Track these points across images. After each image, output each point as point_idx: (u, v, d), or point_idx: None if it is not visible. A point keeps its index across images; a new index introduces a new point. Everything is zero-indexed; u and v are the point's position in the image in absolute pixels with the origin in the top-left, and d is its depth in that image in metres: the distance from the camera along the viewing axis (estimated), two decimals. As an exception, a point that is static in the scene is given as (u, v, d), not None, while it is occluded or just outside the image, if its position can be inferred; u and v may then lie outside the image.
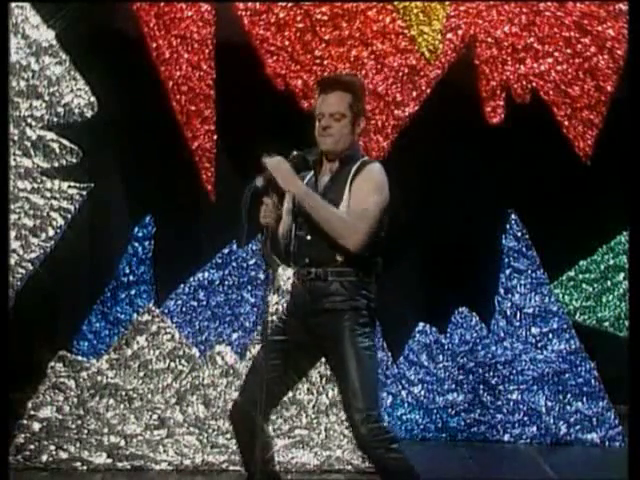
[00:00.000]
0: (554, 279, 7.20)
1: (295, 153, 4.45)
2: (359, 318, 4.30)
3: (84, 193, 6.38)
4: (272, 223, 4.36)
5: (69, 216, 6.35)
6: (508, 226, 7.03)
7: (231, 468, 6.13)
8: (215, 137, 6.70)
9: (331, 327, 4.30)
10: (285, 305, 4.52)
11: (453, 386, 7.02)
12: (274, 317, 4.59)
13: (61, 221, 6.33)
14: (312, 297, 4.33)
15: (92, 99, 6.37)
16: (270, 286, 4.71)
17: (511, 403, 7.01)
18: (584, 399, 6.99)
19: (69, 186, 6.35)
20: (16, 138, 6.30)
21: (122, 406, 6.24)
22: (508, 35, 6.91)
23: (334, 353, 4.32)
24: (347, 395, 4.29)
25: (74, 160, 6.36)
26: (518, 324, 7.05)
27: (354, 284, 4.32)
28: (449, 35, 6.86)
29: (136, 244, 6.88)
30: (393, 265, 7.41)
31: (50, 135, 6.35)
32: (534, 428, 7.00)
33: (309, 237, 4.36)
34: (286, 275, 6.06)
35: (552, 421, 6.99)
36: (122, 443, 6.18)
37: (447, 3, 6.85)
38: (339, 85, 4.42)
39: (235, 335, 6.61)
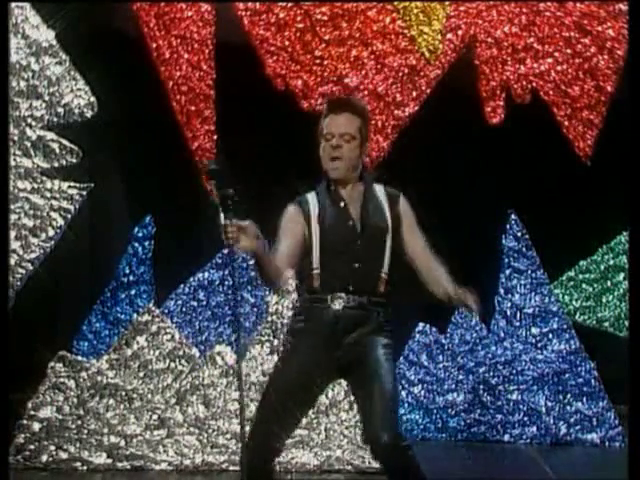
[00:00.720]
0: (554, 279, 7.20)
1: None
2: (388, 342, 4.37)
3: (84, 193, 6.38)
4: (249, 247, 4.23)
5: (69, 216, 6.35)
6: (508, 226, 7.03)
7: (231, 468, 6.13)
8: (215, 137, 6.70)
9: (367, 353, 4.29)
10: (300, 335, 4.34)
11: (453, 386, 7.02)
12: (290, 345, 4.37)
13: (61, 221, 6.34)
14: (348, 324, 4.29)
15: (92, 99, 6.38)
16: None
17: (511, 403, 7.01)
18: (584, 399, 6.99)
19: (69, 186, 6.36)
20: (16, 138, 6.30)
21: (122, 406, 6.24)
22: (508, 35, 6.91)
23: (365, 376, 4.28)
24: (374, 416, 4.23)
25: (74, 160, 6.36)
26: (518, 324, 7.05)
27: (385, 314, 4.41)
28: (449, 35, 6.86)
29: (136, 244, 6.88)
30: (393, 265, 7.42)
31: (50, 135, 6.36)
32: (534, 428, 7.00)
33: (357, 265, 4.32)
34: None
35: (552, 421, 6.99)
36: (122, 443, 6.18)
37: (447, 3, 6.86)
38: (350, 107, 4.39)
39: (235, 335, 6.61)
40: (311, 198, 4.40)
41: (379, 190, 4.45)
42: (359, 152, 4.38)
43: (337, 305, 4.30)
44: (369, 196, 4.41)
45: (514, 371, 7.01)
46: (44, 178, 6.33)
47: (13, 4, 6.30)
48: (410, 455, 4.26)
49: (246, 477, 4.25)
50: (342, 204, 4.38)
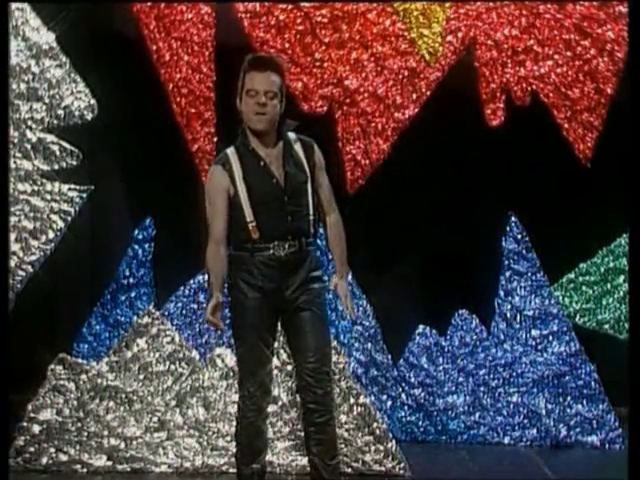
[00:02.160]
0: (554, 281, 7.19)
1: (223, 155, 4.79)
2: (324, 283, 4.83)
3: (84, 195, 6.38)
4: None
5: (69, 218, 6.35)
6: (508, 228, 7.02)
7: (231, 471, 6.13)
8: (215, 139, 6.70)
9: (310, 292, 4.74)
10: (244, 283, 4.75)
11: (453, 388, 7.02)
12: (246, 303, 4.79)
13: (61, 223, 6.34)
14: (288, 268, 4.70)
15: (92, 101, 6.38)
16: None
17: (511, 405, 7.00)
18: (584, 401, 6.98)
19: (69, 188, 6.36)
20: (16, 140, 6.31)
21: (122, 408, 6.24)
22: (508, 37, 6.91)
23: (304, 316, 4.74)
24: (306, 351, 4.74)
25: (74, 162, 6.37)
26: (518, 326, 7.04)
27: (315, 252, 4.84)
28: (449, 37, 6.87)
29: (136, 246, 6.88)
30: (393, 267, 7.43)
31: (50, 137, 6.36)
32: (534, 430, 7.00)
33: (289, 218, 4.72)
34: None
35: (552, 423, 6.99)
36: (122, 445, 6.18)
37: (447, 5, 6.86)
38: (273, 66, 4.75)
39: (235, 337, 6.60)
40: (232, 157, 4.75)
41: (294, 141, 4.81)
42: (280, 107, 4.75)
43: (280, 252, 4.71)
44: (287, 152, 4.77)
45: (514, 373, 7.01)
46: (44, 180, 6.34)
47: (13, 6, 6.30)
48: (328, 393, 4.81)
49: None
50: (262, 163, 4.74)
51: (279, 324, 4.86)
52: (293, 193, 4.74)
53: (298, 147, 4.80)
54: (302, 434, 6.15)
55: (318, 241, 4.96)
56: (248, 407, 4.81)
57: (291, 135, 4.84)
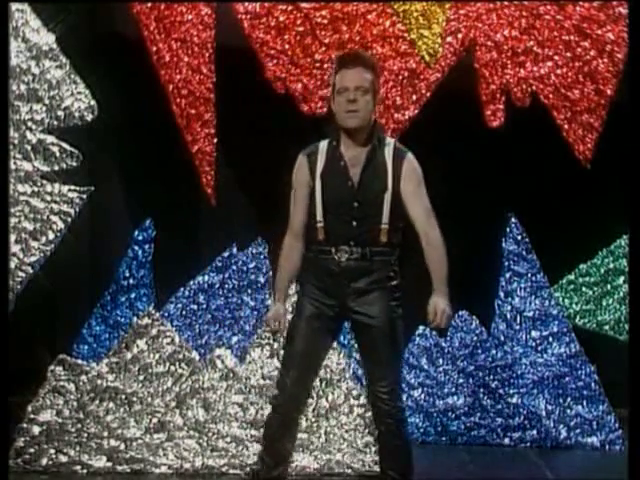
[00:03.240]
0: (554, 282, 7.19)
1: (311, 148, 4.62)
2: (396, 295, 4.68)
3: (84, 196, 6.38)
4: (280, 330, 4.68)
5: (69, 219, 6.35)
6: (508, 229, 7.03)
7: (231, 472, 6.13)
8: (215, 140, 6.70)
9: (373, 303, 4.57)
10: (310, 287, 4.63)
11: (453, 390, 7.02)
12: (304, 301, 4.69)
13: (61, 224, 6.34)
14: (352, 276, 4.55)
15: (92, 102, 6.38)
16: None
17: (511, 407, 7.01)
18: (584, 402, 6.98)
19: (69, 189, 6.36)
20: (16, 142, 6.31)
21: (122, 409, 6.24)
22: (508, 39, 6.91)
23: (371, 328, 4.57)
24: (378, 366, 4.58)
25: (74, 163, 6.37)
26: (518, 327, 7.05)
27: (391, 264, 4.66)
28: (449, 38, 6.87)
29: (136, 247, 6.88)
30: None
31: (50, 139, 6.36)
32: (534, 432, 7.00)
33: (354, 224, 4.55)
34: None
35: (552, 425, 6.99)
36: (122, 447, 6.18)
37: (447, 6, 6.86)
38: (361, 61, 4.57)
39: (235, 338, 6.61)
40: (321, 150, 4.60)
41: (388, 145, 4.59)
42: (373, 104, 4.55)
43: (341, 257, 4.55)
44: (373, 155, 4.56)
45: (514, 374, 7.01)
46: (44, 181, 6.34)
47: (13, 7, 6.30)
48: (400, 408, 4.67)
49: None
50: (342, 163, 4.56)
51: (343, 328, 4.75)
52: (365, 200, 4.53)
53: (388, 153, 4.59)
54: (301, 435, 6.18)
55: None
56: (277, 409, 4.68)
57: (388, 139, 4.65)
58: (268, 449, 4.73)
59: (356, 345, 4.79)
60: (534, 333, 7.03)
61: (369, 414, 6.16)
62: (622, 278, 7.21)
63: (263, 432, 4.80)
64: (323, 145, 4.64)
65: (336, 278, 4.57)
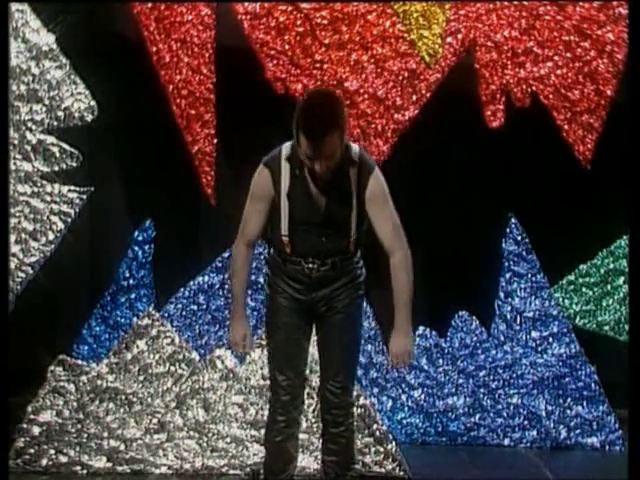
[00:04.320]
0: (554, 283, 7.19)
1: None
2: (362, 292, 4.67)
3: (84, 197, 6.38)
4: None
5: (69, 220, 6.35)
6: (508, 230, 7.02)
7: (231, 472, 6.13)
8: (215, 141, 6.70)
9: (342, 301, 4.60)
10: (281, 284, 4.65)
11: (453, 390, 7.02)
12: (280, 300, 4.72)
13: (61, 225, 6.34)
14: (321, 282, 4.58)
15: (92, 103, 6.38)
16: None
17: (511, 407, 7.00)
18: (584, 403, 6.98)
19: (69, 190, 6.36)
20: (16, 142, 6.31)
21: (122, 410, 6.24)
22: (508, 39, 6.91)
23: (334, 321, 4.61)
24: (333, 365, 4.61)
25: (74, 164, 6.37)
26: (518, 328, 7.04)
27: (355, 264, 4.65)
28: (449, 39, 6.87)
29: (136, 248, 6.87)
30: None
31: (50, 139, 6.36)
32: (534, 432, 6.99)
33: (323, 239, 4.55)
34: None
35: (552, 425, 6.98)
36: (122, 447, 6.18)
37: (447, 7, 6.86)
38: (328, 128, 4.35)
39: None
40: (284, 164, 4.52)
41: (354, 164, 4.50)
42: (340, 148, 4.43)
43: (310, 268, 4.56)
44: (339, 175, 4.49)
45: (514, 375, 7.01)
46: (44, 182, 6.34)
47: (13, 8, 6.30)
48: (348, 410, 4.67)
49: None
50: (310, 186, 4.53)
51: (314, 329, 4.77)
52: (332, 221, 4.52)
53: (353, 172, 4.50)
54: (301, 435, 6.17)
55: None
56: (277, 411, 4.70)
57: (355, 152, 4.54)
58: (273, 454, 4.73)
59: (316, 335, 4.77)
60: (534, 333, 7.03)
61: (369, 414, 6.17)
62: (622, 279, 7.20)
63: (265, 437, 4.81)
64: (285, 155, 4.54)
65: (305, 285, 4.59)
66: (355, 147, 4.60)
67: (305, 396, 4.82)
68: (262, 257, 6.63)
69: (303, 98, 4.67)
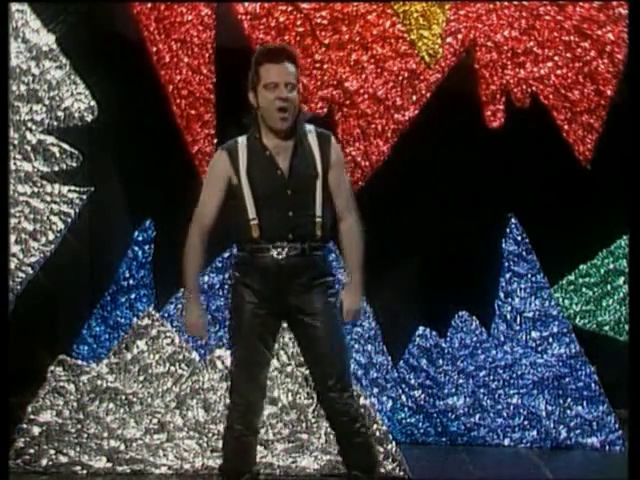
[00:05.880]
0: (554, 283, 7.19)
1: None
2: (331, 290, 4.53)
3: (84, 197, 6.38)
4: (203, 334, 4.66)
5: (69, 220, 6.35)
6: (508, 230, 7.03)
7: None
8: (215, 141, 6.71)
9: (316, 300, 4.47)
10: (245, 289, 4.53)
11: (453, 390, 7.02)
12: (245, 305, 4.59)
13: (61, 225, 6.34)
14: (291, 273, 4.45)
15: (92, 103, 6.38)
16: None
17: (511, 407, 7.01)
18: (584, 403, 6.98)
19: (69, 190, 6.36)
20: (16, 142, 6.31)
21: (122, 410, 6.24)
22: (508, 39, 6.91)
23: (313, 326, 4.48)
24: (322, 364, 4.49)
25: (74, 164, 6.37)
26: (518, 328, 7.05)
27: (325, 258, 4.56)
28: (449, 39, 6.87)
29: (136, 248, 6.88)
30: (393, 269, 7.43)
31: (50, 139, 6.36)
32: (534, 432, 7.00)
33: (290, 213, 4.46)
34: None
35: (552, 425, 6.99)
36: (122, 447, 6.18)
37: (447, 7, 6.86)
38: (288, 55, 4.51)
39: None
40: (241, 146, 4.52)
41: (310, 132, 4.54)
42: (299, 99, 4.51)
43: (279, 254, 4.44)
44: (299, 143, 4.49)
45: (514, 375, 7.01)
46: (44, 182, 6.34)
47: (13, 8, 6.30)
48: (353, 403, 4.51)
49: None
50: (267, 153, 4.48)
51: (281, 329, 4.68)
52: (298, 187, 4.45)
53: (312, 139, 4.52)
54: (302, 435, 6.18)
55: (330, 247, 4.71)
56: (234, 418, 4.54)
57: (308, 126, 4.56)
58: (229, 457, 4.57)
59: (295, 338, 4.68)
60: (534, 334, 7.03)
61: (369, 415, 6.16)
62: (622, 279, 7.21)
63: (223, 439, 4.64)
64: (242, 140, 4.56)
65: (275, 277, 4.45)
66: (305, 114, 4.71)
67: (263, 402, 4.62)
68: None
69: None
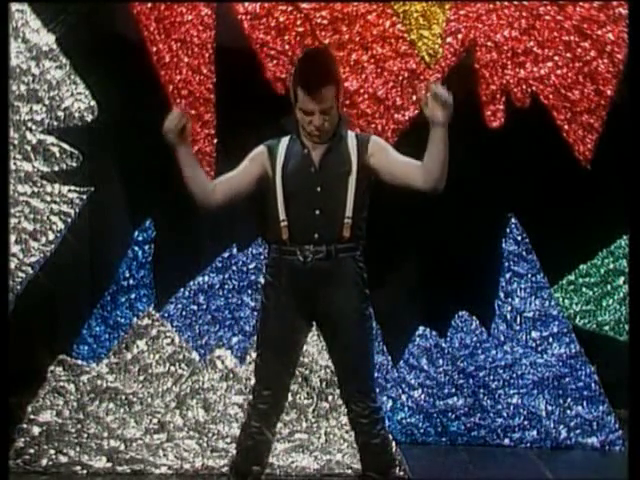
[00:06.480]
0: (554, 283, 7.19)
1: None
2: (362, 295, 4.50)
3: (84, 197, 6.38)
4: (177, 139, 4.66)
5: (69, 220, 6.36)
6: (508, 230, 7.03)
7: (231, 472, 6.13)
8: (215, 141, 6.70)
9: (342, 306, 4.42)
10: (276, 292, 4.50)
11: (453, 390, 7.02)
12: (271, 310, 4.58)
13: (61, 225, 6.34)
14: (319, 277, 4.40)
15: (92, 103, 6.38)
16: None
17: (511, 407, 7.00)
18: (584, 403, 6.98)
19: (69, 190, 6.36)
20: (16, 142, 6.31)
21: (122, 410, 6.24)
22: (508, 39, 6.91)
23: (340, 331, 4.44)
24: (347, 369, 4.47)
25: (74, 164, 6.37)
26: (518, 328, 7.04)
27: (357, 260, 4.47)
28: (449, 39, 6.87)
29: (136, 248, 6.87)
30: (393, 269, 7.42)
31: (50, 139, 6.36)
32: (534, 432, 6.99)
33: (317, 212, 4.41)
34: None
35: (552, 425, 6.98)
36: (122, 447, 6.18)
37: (447, 7, 6.86)
38: (325, 79, 4.39)
39: (235, 339, 6.61)
40: (282, 143, 4.51)
41: (350, 136, 4.50)
42: (338, 113, 4.43)
43: (305, 257, 4.38)
44: (335, 140, 4.44)
45: (514, 375, 7.01)
46: (44, 182, 6.34)
47: (13, 8, 6.30)
48: (374, 407, 4.50)
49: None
50: (305, 151, 4.45)
51: (312, 329, 4.67)
52: (328, 184, 4.39)
53: (352, 141, 4.49)
54: (301, 436, 6.18)
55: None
56: (254, 416, 4.54)
57: (350, 132, 4.54)
58: (242, 456, 4.59)
59: (325, 343, 4.68)
60: (534, 334, 7.03)
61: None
62: (622, 279, 7.20)
63: (238, 437, 4.66)
64: (285, 139, 4.56)
65: (302, 280, 4.42)
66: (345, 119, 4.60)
67: (285, 404, 4.65)
68: (262, 257, 6.66)
69: (300, 56, 4.72)
